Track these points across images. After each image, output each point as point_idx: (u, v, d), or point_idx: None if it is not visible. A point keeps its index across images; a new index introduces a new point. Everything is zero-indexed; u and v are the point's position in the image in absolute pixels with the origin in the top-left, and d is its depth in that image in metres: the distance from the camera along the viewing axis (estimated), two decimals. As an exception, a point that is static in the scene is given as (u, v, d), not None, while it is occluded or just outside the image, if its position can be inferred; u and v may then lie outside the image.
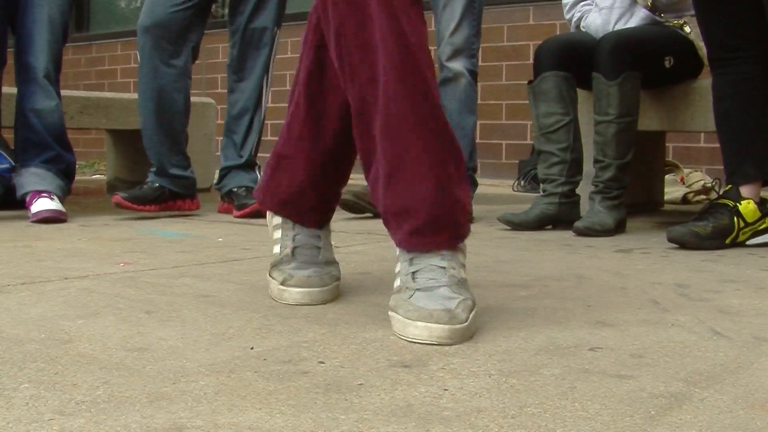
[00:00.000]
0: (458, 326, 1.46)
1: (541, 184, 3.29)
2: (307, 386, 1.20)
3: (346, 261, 2.37)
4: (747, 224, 2.71)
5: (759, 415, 1.10)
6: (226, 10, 3.78)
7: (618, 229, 3.08)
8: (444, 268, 1.57)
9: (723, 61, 2.77)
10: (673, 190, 4.45)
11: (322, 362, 1.33)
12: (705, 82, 2.98)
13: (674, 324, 1.62)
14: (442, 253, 1.58)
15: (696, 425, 1.06)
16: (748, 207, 2.71)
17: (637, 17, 3.34)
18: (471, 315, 1.50)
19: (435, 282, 1.54)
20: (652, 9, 3.33)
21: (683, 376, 1.27)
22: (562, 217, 3.17)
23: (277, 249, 1.89)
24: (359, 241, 2.82)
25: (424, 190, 1.57)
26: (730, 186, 2.77)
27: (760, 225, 2.74)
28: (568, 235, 2.99)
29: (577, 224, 3.03)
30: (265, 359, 1.34)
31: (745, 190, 2.74)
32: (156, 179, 3.55)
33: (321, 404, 1.12)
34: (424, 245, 1.59)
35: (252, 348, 1.41)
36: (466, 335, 1.48)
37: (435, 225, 1.58)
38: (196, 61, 3.69)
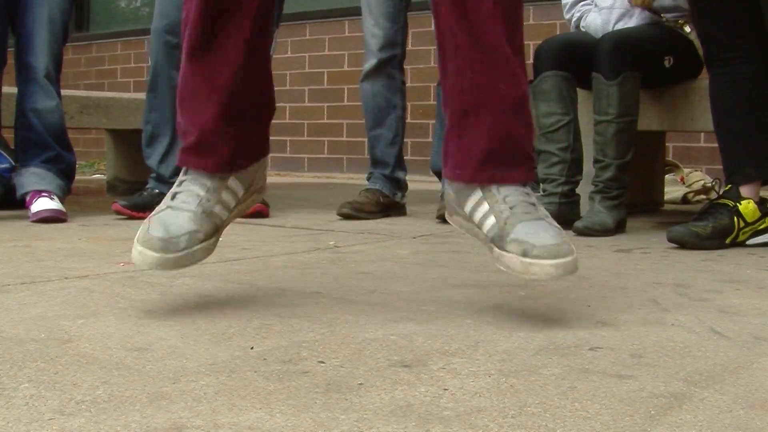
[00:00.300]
0: (170, 255, 1.61)
1: (541, 184, 3.29)
2: (307, 386, 1.20)
3: (345, 260, 2.38)
4: (747, 224, 2.71)
5: (759, 415, 1.10)
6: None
7: (618, 228, 3.08)
8: (199, 196, 1.71)
9: (721, 61, 2.78)
10: (673, 190, 4.45)
11: (322, 362, 1.33)
12: (705, 82, 2.98)
13: (674, 324, 1.62)
14: (203, 181, 1.73)
15: (696, 425, 1.06)
16: (748, 207, 2.71)
17: (637, 17, 3.33)
18: (195, 246, 1.66)
19: (184, 204, 1.69)
20: (652, 9, 3.33)
21: (683, 376, 1.27)
22: (562, 216, 3.16)
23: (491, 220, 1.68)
24: (359, 240, 2.82)
25: (203, 115, 1.72)
26: (729, 186, 2.78)
27: (760, 225, 2.74)
28: (568, 234, 2.99)
29: (577, 224, 3.03)
30: (265, 359, 1.34)
31: (744, 190, 2.75)
32: (156, 185, 3.54)
33: (321, 404, 1.12)
34: (187, 163, 1.74)
35: (252, 348, 1.41)
36: (180, 264, 1.64)
37: (200, 148, 1.73)
38: None
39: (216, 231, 1.74)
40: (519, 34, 1.72)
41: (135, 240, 1.65)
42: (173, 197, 1.73)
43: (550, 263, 1.55)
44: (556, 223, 1.63)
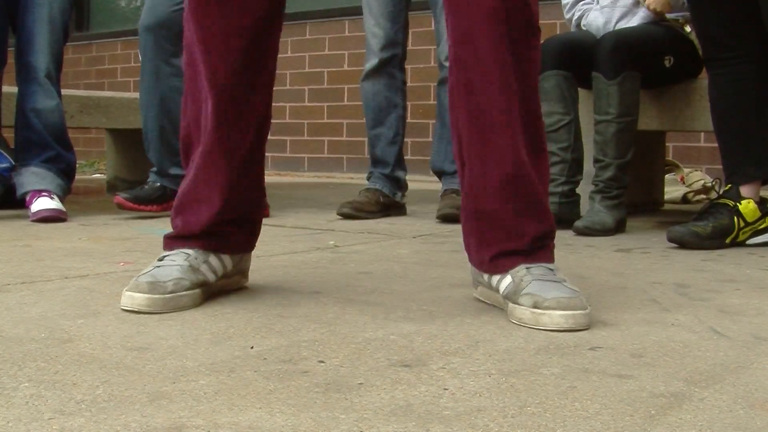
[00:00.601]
0: (157, 296, 1.67)
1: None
2: (307, 385, 1.20)
3: (345, 260, 2.38)
4: (747, 224, 2.71)
5: (759, 415, 1.10)
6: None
7: (618, 228, 3.07)
8: (187, 254, 1.79)
9: (720, 61, 2.78)
10: (673, 190, 4.45)
11: (322, 361, 1.33)
12: (705, 81, 2.97)
13: (674, 323, 1.62)
14: (186, 251, 1.81)
15: (696, 425, 1.06)
16: (748, 206, 2.71)
17: (639, 16, 3.33)
18: (182, 292, 1.71)
19: (171, 262, 1.77)
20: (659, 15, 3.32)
21: (683, 376, 1.27)
22: (562, 216, 3.17)
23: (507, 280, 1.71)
24: (359, 240, 2.82)
25: (198, 216, 1.83)
26: (729, 186, 2.78)
27: (760, 224, 2.74)
28: (568, 234, 2.99)
29: (577, 224, 3.03)
30: (265, 358, 1.34)
31: (744, 190, 2.74)
32: (157, 179, 3.54)
33: (321, 403, 1.12)
34: (173, 247, 1.83)
35: (252, 347, 1.41)
36: (167, 306, 1.67)
37: (188, 239, 1.83)
38: None
39: (203, 285, 1.77)
40: (538, 134, 1.75)
41: (124, 290, 1.69)
42: (161, 259, 1.80)
43: (560, 314, 1.56)
44: (574, 287, 1.65)
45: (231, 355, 1.36)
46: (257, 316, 1.64)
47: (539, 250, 1.73)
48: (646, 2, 3.31)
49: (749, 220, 2.71)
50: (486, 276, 1.76)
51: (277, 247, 2.63)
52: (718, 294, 1.93)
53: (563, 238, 2.91)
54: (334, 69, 6.72)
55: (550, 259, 1.75)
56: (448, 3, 1.72)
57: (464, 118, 1.73)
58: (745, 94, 2.75)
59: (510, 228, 1.72)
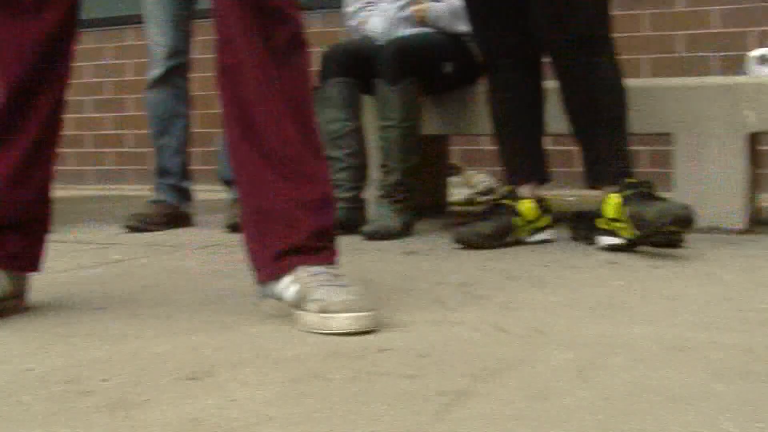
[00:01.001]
0: None
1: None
2: (88, 406, 1.16)
3: (131, 274, 2.32)
4: (526, 222, 2.82)
5: (538, 404, 1.14)
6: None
7: (405, 232, 3.13)
8: None
9: (497, 68, 2.89)
10: (458, 192, 4.57)
11: (106, 380, 1.29)
12: (484, 87, 3.07)
13: (459, 322, 1.66)
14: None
15: (480, 418, 1.09)
16: (527, 206, 2.81)
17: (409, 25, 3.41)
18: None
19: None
20: (426, 23, 3.40)
21: (469, 372, 1.31)
22: (348, 222, 3.18)
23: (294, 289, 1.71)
24: (146, 253, 2.76)
25: None
26: (509, 186, 2.88)
27: (539, 223, 2.85)
28: (356, 239, 3.02)
29: (364, 229, 3.06)
30: (45, 380, 1.29)
31: (523, 190, 2.85)
32: None
33: (105, 423, 1.09)
34: None
35: (31, 370, 1.35)
36: None
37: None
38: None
39: None
40: (313, 134, 1.78)
41: None
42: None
43: (346, 316, 1.58)
44: (360, 290, 1.67)
45: (7, 380, 1.30)
46: (36, 337, 1.58)
47: (322, 250, 1.75)
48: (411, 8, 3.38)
49: (528, 218, 2.82)
50: (271, 287, 1.75)
51: (59, 263, 2.53)
52: (501, 291, 1.99)
53: (351, 243, 2.93)
54: (116, 78, 6.55)
55: (333, 260, 1.77)
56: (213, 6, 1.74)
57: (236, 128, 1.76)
58: (521, 100, 2.87)
59: (290, 221, 1.72)
